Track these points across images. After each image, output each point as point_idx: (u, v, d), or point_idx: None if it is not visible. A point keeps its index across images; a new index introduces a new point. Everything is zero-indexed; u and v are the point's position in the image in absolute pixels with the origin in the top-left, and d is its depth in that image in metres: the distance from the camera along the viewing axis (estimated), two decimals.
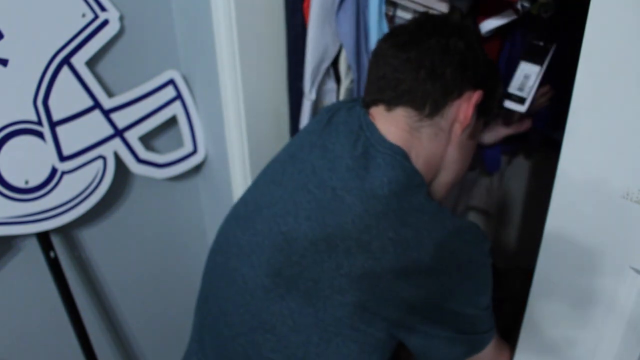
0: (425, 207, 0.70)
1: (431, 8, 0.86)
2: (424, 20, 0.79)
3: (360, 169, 0.70)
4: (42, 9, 1.02)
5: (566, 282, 0.69)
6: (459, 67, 0.74)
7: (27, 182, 1.07)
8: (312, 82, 1.05)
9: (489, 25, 0.85)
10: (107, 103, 1.14)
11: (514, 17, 0.82)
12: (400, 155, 0.71)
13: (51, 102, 1.06)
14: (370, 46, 0.99)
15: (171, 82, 1.23)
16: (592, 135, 0.60)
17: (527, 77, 0.85)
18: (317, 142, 0.77)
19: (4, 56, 0.99)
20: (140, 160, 1.23)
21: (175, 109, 1.25)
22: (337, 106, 0.82)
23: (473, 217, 1.32)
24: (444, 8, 0.86)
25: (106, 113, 1.14)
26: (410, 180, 0.71)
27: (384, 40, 0.78)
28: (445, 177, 0.80)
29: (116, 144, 1.17)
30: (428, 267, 0.67)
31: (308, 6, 1.02)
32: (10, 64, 1.00)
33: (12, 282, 1.18)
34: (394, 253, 0.66)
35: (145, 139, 1.23)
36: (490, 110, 0.81)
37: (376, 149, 0.72)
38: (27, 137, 1.06)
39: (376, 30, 0.97)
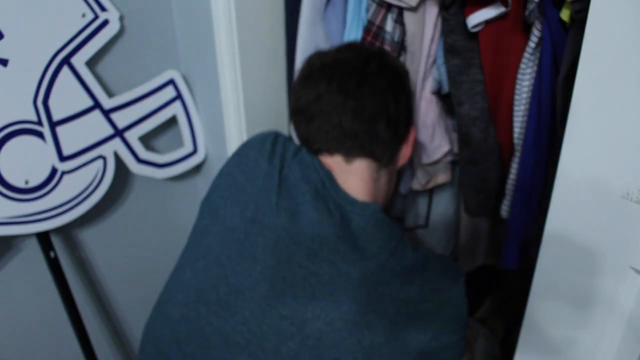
0: (419, 259, 0.71)
1: (403, 2, 0.85)
2: (362, 57, 0.75)
3: (349, 236, 0.68)
4: (42, 9, 1.02)
5: (566, 282, 0.69)
6: (407, 110, 0.76)
7: (27, 182, 1.07)
8: None
9: (476, 18, 0.82)
10: (107, 103, 1.14)
11: (502, 9, 0.80)
12: (374, 210, 0.71)
13: (51, 102, 1.06)
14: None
15: (171, 82, 1.23)
16: (592, 135, 0.60)
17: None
18: (281, 205, 0.69)
19: (4, 56, 0.99)
20: (140, 160, 1.23)
21: (175, 109, 1.25)
22: (278, 150, 0.75)
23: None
24: (413, 2, 0.85)
25: (106, 113, 1.14)
26: (395, 233, 0.71)
27: (323, 79, 0.72)
28: (385, 204, 0.82)
29: (116, 144, 1.17)
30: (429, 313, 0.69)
31: None
32: (10, 64, 1.00)
33: (12, 282, 1.18)
34: (407, 312, 0.67)
35: (145, 139, 1.23)
36: None
37: (352, 211, 0.70)
38: (27, 137, 1.06)
39: (355, 26, 0.95)
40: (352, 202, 0.71)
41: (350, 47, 0.79)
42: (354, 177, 0.74)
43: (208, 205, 0.77)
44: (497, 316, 1.28)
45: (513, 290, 1.31)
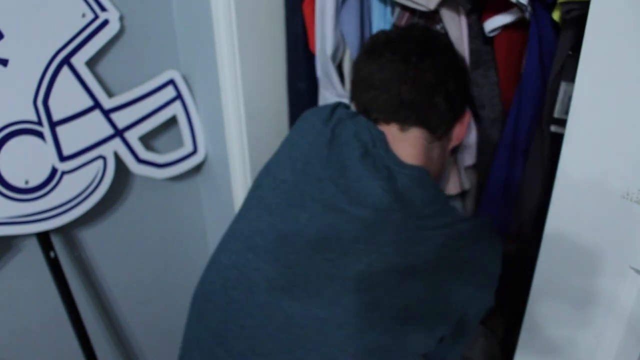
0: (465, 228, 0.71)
1: (418, 4, 0.86)
2: (427, 35, 0.77)
3: (395, 191, 0.69)
4: (42, 9, 1.02)
5: (566, 282, 0.69)
6: (465, 90, 0.76)
7: (27, 182, 1.07)
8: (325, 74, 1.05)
9: (492, 23, 0.84)
10: (107, 103, 1.14)
11: (519, 15, 0.80)
12: (421, 172, 0.71)
13: (51, 102, 1.06)
14: None
15: (171, 82, 1.23)
16: (592, 135, 0.60)
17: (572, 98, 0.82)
18: (331, 159, 0.72)
19: (4, 56, 0.99)
20: (140, 160, 1.23)
21: (175, 109, 1.25)
22: (337, 114, 0.77)
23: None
24: (432, 4, 0.85)
25: (106, 113, 1.14)
26: (441, 196, 0.72)
27: (387, 50, 0.74)
28: (435, 180, 0.82)
29: (116, 144, 1.17)
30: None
31: (307, 6, 1.02)
32: (10, 64, 1.00)
33: (12, 282, 1.18)
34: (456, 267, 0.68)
35: (145, 139, 1.23)
36: None
37: (398, 171, 0.71)
38: (27, 137, 1.06)
39: (381, 25, 0.97)
40: (400, 163, 0.72)
41: (413, 26, 0.82)
42: (407, 144, 0.75)
43: (265, 165, 0.81)
44: (497, 316, 1.28)
45: (513, 290, 1.31)
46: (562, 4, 0.70)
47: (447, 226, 0.69)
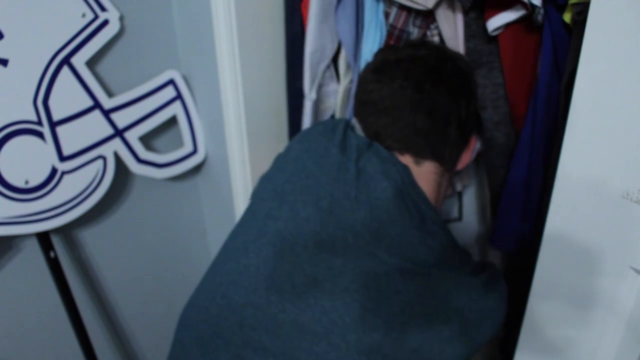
0: (464, 262, 0.71)
1: (417, 3, 0.85)
2: (440, 57, 0.73)
3: (427, 235, 0.68)
4: (42, 9, 1.02)
5: (566, 282, 0.69)
6: (475, 115, 0.74)
7: (27, 182, 1.07)
8: (312, 83, 1.05)
9: (496, 22, 0.83)
10: (107, 103, 1.14)
11: (522, 12, 0.80)
12: (441, 221, 0.71)
13: (51, 102, 1.06)
14: (367, 46, 0.98)
15: (171, 82, 1.23)
16: (592, 135, 0.60)
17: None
18: (360, 199, 0.67)
19: (4, 56, 0.99)
20: (140, 160, 1.23)
21: (175, 109, 1.25)
22: (351, 141, 0.72)
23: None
24: (430, 3, 0.85)
25: (106, 113, 1.14)
26: (450, 237, 0.71)
27: (400, 76, 0.71)
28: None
29: (116, 144, 1.17)
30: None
31: (305, 6, 1.02)
32: (10, 64, 1.00)
33: (12, 282, 1.18)
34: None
35: (145, 139, 1.23)
36: None
37: (426, 213, 0.69)
38: (27, 137, 1.06)
39: (373, 28, 0.96)
40: (430, 206, 0.69)
41: (424, 44, 0.77)
42: (421, 179, 0.72)
43: (271, 188, 0.73)
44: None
45: (513, 289, 1.31)
46: (573, 5, 0.70)
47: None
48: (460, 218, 1.18)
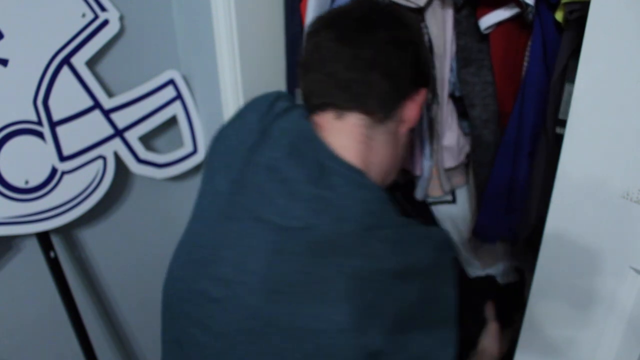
0: (398, 224, 0.64)
1: (410, 1, 0.85)
2: (366, 8, 0.71)
3: (324, 196, 0.63)
4: (42, 9, 1.02)
5: (566, 282, 0.69)
6: (412, 64, 0.70)
7: (27, 182, 1.07)
8: None
9: (489, 20, 0.83)
10: (107, 103, 1.14)
11: (516, 10, 0.80)
12: (358, 173, 0.66)
13: (51, 102, 1.06)
14: None
15: (171, 82, 1.23)
16: (592, 135, 0.60)
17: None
18: (261, 162, 0.67)
19: (4, 56, 0.99)
20: (140, 160, 1.23)
21: (175, 109, 1.25)
22: (275, 109, 0.72)
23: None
24: (422, 1, 0.84)
25: (106, 113, 1.14)
26: (376, 197, 0.65)
27: (324, 28, 0.70)
28: (391, 176, 0.76)
29: (116, 144, 1.17)
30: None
31: (305, 6, 1.02)
32: (10, 64, 1.00)
33: (12, 282, 1.18)
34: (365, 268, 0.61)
35: (145, 139, 1.23)
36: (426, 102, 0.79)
37: (332, 170, 0.65)
38: (27, 137, 1.06)
39: None
40: (333, 157, 0.66)
41: (360, 1, 0.74)
42: (342, 134, 0.68)
43: (207, 169, 0.76)
44: (497, 316, 1.28)
45: (513, 290, 1.31)
46: (565, 4, 0.70)
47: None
48: (454, 200, 1.17)
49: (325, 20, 0.71)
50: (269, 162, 0.66)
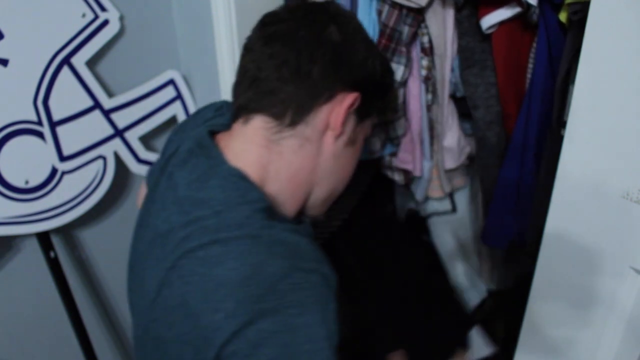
0: (247, 222, 0.57)
1: (411, 2, 0.85)
2: (298, 6, 0.67)
3: (195, 197, 0.60)
4: (42, 9, 1.02)
5: (566, 282, 0.69)
6: (331, 64, 0.63)
7: (27, 182, 1.07)
8: None
9: (491, 19, 0.82)
10: (107, 103, 1.14)
11: (517, 9, 0.79)
12: (235, 176, 0.60)
13: (51, 102, 1.06)
14: None
15: (171, 82, 1.23)
16: (592, 135, 0.60)
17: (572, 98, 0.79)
18: (167, 170, 0.66)
19: (4, 56, 0.99)
20: (141, 160, 1.23)
21: (176, 109, 1.25)
22: (203, 119, 0.72)
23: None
24: (423, 1, 0.84)
25: (106, 113, 1.14)
26: (242, 197, 0.59)
27: (254, 30, 0.67)
28: (321, 193, 0.69)
29: (116, 144, 1.17)
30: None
31: None
32: (10, 64, 1.00)
33: (12, 282, 1.18)
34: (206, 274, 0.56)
35: (146, 139, 1.23)
36: (372, 112, 0.71)
37: (213, 173, 0.61)
38: (27, 137, 1.06)
39: (365, 27, 0.95)
40: (220, 163, 0.61)
41: (286, 5, 0.70)
42: (244, 137, 0.64)
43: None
44: (497, 316, 1.28)
45: (513, 289, 1.31)
46: (569, 4, 0.69)
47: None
48: (454, 209, 1.17)
49: (260, 21, 0.69)
50: (170, 170, 0.66)
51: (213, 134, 0.68)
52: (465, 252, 1.19)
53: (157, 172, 0.69)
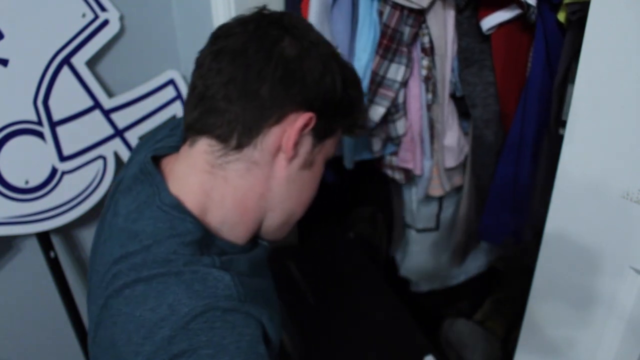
0: (172, 258, 0.54)
1: (411, 2, 0.85)
2: (251, 17, 0.62)
3: (129, 229, 0.57)
4: (42, 9, 1.02)
5: (566, 282, 0.69)
6: (281, 82, 0.58)
7: (27, 182, 1.07)
8: None
9: (491, 21, 0.83)
10: (107, 103, 1.14)
11: (517, 11, 0.80)
12: (169, 206, 0.57)
13: (51, 102, 1.06)
14: (360, 46, 0.96)
15: (171, 82, 1.23)
16: (592, 135, 0.60)
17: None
18: (114, 196, 0.64)
19: (4, 56, 0.99)
20: None
21: (176, 109, 1.25)
22: (144, 141, 0.70)
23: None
24: (425, 2, 0.84)
25: (106, 113, 1.14)
26: (172, 229, 0.55)
27: (206, 44, 0.64)
28: (275, 219, 0.65)
29: (116, 144, 1.17)
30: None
31: (306, 6, 1.01)
32: (10, 64, 1.00)
33: (12, 282, 1.18)
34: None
35: None
36: (335, 131, 0.65)
37: (150, 203, 0.57)
38: (27, 137, 1.06)
39: (367, 28, 0.95)
40: (158, 192, 0.58)
41: (242, 18, 0.64)
42: (187, 161, 0.61)
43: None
44: (497, 316, 1.28)
45: (513, 290, 1.31)
46: (567, 5, 0.70)
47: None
48: (437, 227, 1.18)
49: (212, 33, 0.64)
50: (117, 197, 0.63)
51: (160, 157, 0.65)
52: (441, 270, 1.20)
53: (109, 198, 0.67)
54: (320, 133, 0.62)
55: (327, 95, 0.61)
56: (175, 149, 0.65)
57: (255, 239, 0.66)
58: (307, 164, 0.63)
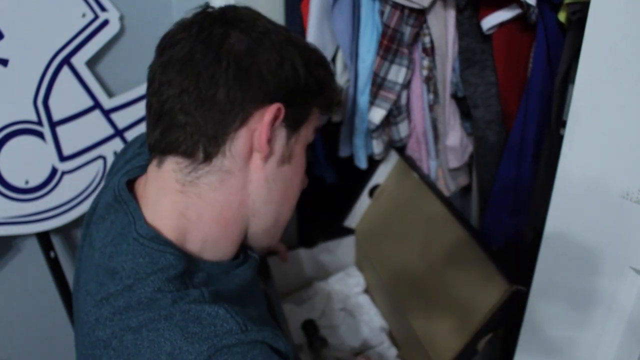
0: (158, 297, 0.51)
1: (412, 2, 0.85)
2: (192, 20, 0.57)
3: (107, 267, 0.54)
4: (42, 9, 1.02)
5: (566, 282, 0.69)
6: (236, 81, 0.54)
7: (27, 182, 1.07)
8: None
9: (491, 21, 0.83)
10: (107, 103, 1.14)
11: (518, 10, 0.80)
12: (145, 238, 0.54)
13: (51, 102, 1.06)
14: (363, 46, 0.97)
15: None
16: (592, 135, 0.60)
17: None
18: (89, 225, 0.61)
19: (4, 56, 0.99)
20: None
21: None
22: (117, 159, 0.67)
23: None
24: (426, 2, 0.84)
25: (106, 113, 1.14)
26: (152, 264, 0.52)
27: (154, 57, 0.59)
28: (260, 224, 0.61)
29: (116, 144, 1.17)
30: None
31: (306, 6, 1.01)
32: (10, 64, 1.00)
33: (12, 282, 1.18)
34: None
35: None
36: (309, 115, 0.62)
37: (125, 235, 0.54)
38: (27, 137, 1.06)
39: (369, 28, 0.95)
40: (133, 222, 0.55)
41: (195, 18, 0.58)
42: (158, 184, 0.57)
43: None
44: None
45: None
46: (568, 4, 0.69)
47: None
48: None
49: (157, 45, 0.59)
50: (91, 228, 0.60)
51: (133, 180, 0.62)
52: None
53: (84, 225, 0.62)
54: (292, 122, 0.59)
55: (291, 84, 0.57)
56: (145, 168, 0.62)
57: (245, 249, 0.63)
58: (286, 158, 0.60)
